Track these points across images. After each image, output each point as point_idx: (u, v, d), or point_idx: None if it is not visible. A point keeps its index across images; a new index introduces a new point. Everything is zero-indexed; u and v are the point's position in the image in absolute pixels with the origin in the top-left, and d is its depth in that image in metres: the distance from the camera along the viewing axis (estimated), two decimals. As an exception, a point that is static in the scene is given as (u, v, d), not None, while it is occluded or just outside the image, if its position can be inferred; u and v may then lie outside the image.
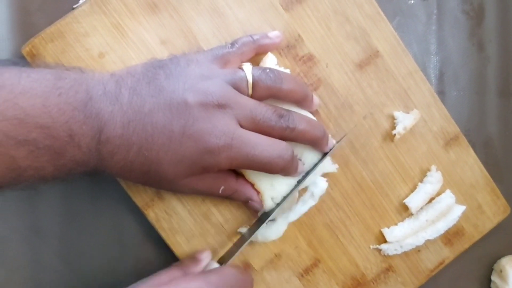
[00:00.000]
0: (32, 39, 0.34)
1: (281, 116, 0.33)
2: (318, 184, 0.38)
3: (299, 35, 0.38)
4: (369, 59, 0.39)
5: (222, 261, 0.36)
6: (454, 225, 0.41)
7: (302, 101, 0.35)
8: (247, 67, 0.33)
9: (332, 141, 0.37)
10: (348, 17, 0.39)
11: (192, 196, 0.37)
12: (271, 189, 0.35)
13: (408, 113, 0.40)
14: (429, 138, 0.41)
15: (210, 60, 0.33)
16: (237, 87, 0.32)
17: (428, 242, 0.41)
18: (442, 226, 0.40)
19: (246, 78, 0.33)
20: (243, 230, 0.38)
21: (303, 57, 0.38)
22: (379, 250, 0.41)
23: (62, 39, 0.34)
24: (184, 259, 0.36)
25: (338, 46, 0.39)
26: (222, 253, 0.38)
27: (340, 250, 0.40)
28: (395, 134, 0.39)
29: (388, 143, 0.40)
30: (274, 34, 0.36)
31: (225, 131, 0.31)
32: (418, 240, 0.40)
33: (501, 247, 0.45)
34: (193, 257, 0.36)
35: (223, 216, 0.38)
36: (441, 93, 0.44)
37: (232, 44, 0.34)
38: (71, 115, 0.28)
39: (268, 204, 0.36)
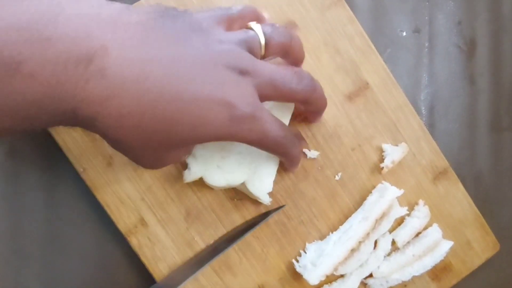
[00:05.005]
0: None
1: (302, 78, 0.31)
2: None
3: (289, 66, 0.38)
4: (359, 91, 0.39)
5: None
6: (442, 261, 0.41)
7: (299, 63, 0.34)
8: (257, 26, 0.31)
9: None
10: (339, 49, 0.39)
11: (176, 224, 0.37)
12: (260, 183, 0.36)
13: (397, 146, 0.40)
14: (417, 172, 0.41)
15: (216, 22, 0.30)
16: (251, 50, 0.30)
17: (415, 277, 0.40)
18: (429, 262, 0.40)
19: (258, 38, 0.30)
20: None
21: (292, 87, 0.38)
22: (365, 285, 0.40)
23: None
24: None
25: (328, 77, 0.39)
26: (203, 280, 0.37)
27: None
28: (383, 167, 0.39)
29: (376, 176, 0.40)
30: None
31: (251, 102, 0.28)
32: (405, 275, 0.39)
33: (490, 284, 0.44)
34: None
35: (207, 245, 0.37)
36: (431, 126, 0.43)
37: (232, 7, 0.31)
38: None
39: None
